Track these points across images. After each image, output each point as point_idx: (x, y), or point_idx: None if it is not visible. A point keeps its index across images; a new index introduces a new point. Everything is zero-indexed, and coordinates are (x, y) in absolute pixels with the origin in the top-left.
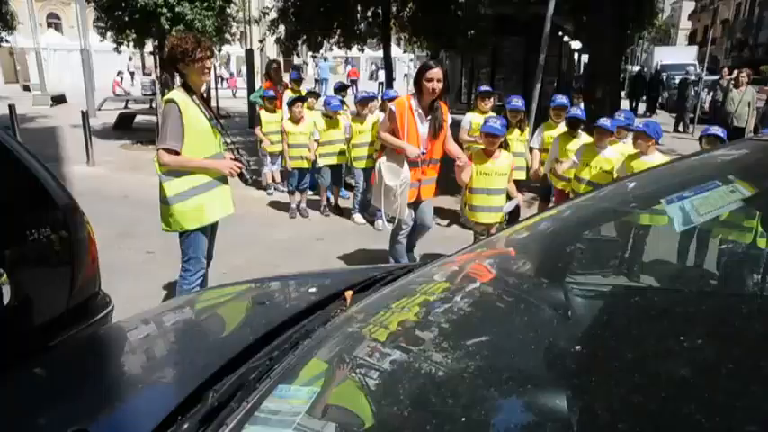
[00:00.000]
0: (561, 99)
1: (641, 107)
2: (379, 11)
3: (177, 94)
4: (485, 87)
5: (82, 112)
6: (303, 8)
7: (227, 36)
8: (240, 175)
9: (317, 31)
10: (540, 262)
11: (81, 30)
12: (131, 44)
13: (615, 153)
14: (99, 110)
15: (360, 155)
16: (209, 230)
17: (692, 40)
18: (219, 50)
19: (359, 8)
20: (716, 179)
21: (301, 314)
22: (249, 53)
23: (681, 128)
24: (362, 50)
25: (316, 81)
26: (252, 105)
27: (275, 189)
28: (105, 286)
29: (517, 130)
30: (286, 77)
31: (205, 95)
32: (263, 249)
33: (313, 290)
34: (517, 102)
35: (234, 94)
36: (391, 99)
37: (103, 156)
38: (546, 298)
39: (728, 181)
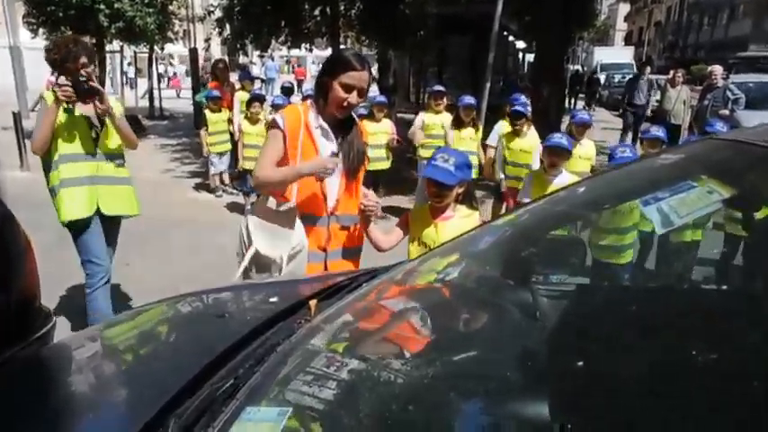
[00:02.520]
0: (582, 115)
1: (579, 103)
2: (328, 10)
3: (48, 94)
4: (438, 87)
5: (13, 113)
6: (249, 6)
7: (170, 35)
8: None
9: (265, 30)
10: (505, 263)
11: (9, 25)
12: None
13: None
14: (33, 111)
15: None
16: (96, 230)
17: (628, 40)
18: (162, 49)
19: (307, 6)
20: (687, 180)
21: (264, 326)
22: (193, 52)
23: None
24: (311, 50)
25: (262, 81)
26: (198, 105)
27: (224, 192)
28: (45, 298)
29: (471, 128)
30: (233, 77)
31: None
32: (216, 255)
33: (274, 299)
34: (470, 100)
35: (178, 95)
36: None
37: (39, 160)
38: (513, 300)
39: (701, 181)
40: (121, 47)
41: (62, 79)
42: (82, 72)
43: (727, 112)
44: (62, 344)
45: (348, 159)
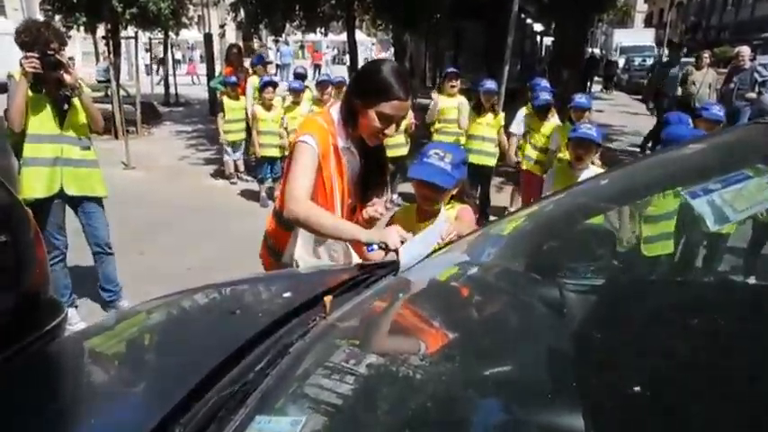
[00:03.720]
0: (580, 99)
1: (596, 87)
2: None
3: (16, 70)
4: (451, 68)
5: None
6: None
7: (185, 20)
8: None
9: (279, 14)
10: (532, 258)
11: (26, 13)
12: (82, 28)
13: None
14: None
15: None
16: (55, 210)
17: (648, 22)
18: (177, 34)
19: None
20: (741, 169)
21: (276, 324)
22: (208, 37)
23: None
24: (326, 34)
25: (277, 66)
26: (212, 92)
27: (239, 179)
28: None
29: (490, 114)
30: (247, 62)
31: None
32: (231, 242)
33: (288, 294)
34: (491, 84)
35: (193, 81)
36: (324, 83)
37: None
38: (542, 296)
39: (761, 171)
40: (136, 33)
41: (30, 55)
42: (50, 47)
43: (754, 95)
44: (63, 342)
45: (369, 183)
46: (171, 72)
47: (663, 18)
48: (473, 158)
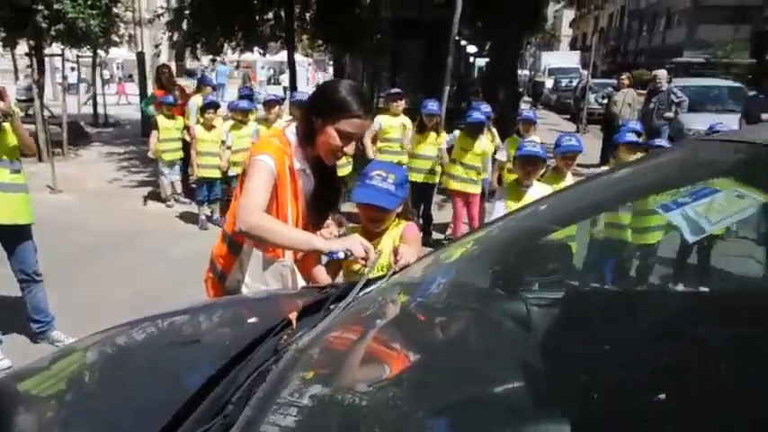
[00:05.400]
0: (528, 113)
1: (524, 106)
2: (282, 13)
3: None
4: (395, 89)
5: None
6: (201, 8)
7: (115, 38)
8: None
9: (218, 33)
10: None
11: None
12: (0, 44)
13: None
14: None
15: None
16: None
17: (572, 45)
18: (107, 53)
19: (261, 8)
20: (701, 183)
21: (245, 352)
22: (140, 57)
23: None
24: (264, 54)
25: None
26: (145, 114)
27: (176, 200)
28: None
29: (433, 134)
30: (181, 81)
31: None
32: (171, 267)
33: (253, 320)
34: (433, 106)
35: (120, 101)
36: (300, 104)
37: None
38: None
39: (726, 185)
40: (62, 50)
41: None
42: None
43: (671, 114)
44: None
45: (322, 205)
46: (99, 91)
47: (586, 41)
48: (416, 177)
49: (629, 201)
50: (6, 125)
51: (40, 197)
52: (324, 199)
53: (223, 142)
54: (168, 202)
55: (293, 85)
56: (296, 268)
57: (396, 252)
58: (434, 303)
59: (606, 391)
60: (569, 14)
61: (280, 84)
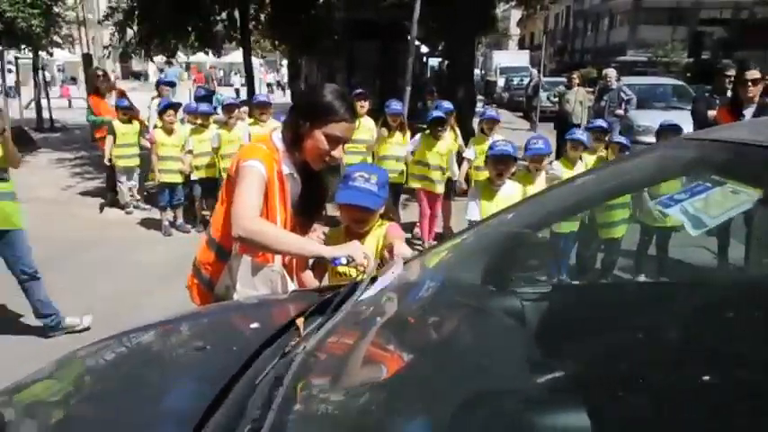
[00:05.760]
0: (491, 112)
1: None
2: (236, 14)
3: None
4: (359, 90)
5: None
6: (154, 8)
7: (57, 39)
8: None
9: (170, 35)
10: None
11: None
12: None
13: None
14: None
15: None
16: None
17: (521, 45)
18: (51, 54)
19: (216, 8)
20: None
21: (253, 357)
22: (87, 58)
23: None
24: (218, 55)
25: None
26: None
27: (135, 207)
28: None
29: (399, 134)
30: (123, 84)
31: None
32: (136, 275)
33: (255, 325)
34: (396, 105)
35: (69, 104)
36: (263, 105)
37: None
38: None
39: (718, 182)
40: (1, 51)
41: None
42: None
43: (621, 111)
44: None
45: (309, 209)
46: (43, 94)
47: (534, 41)
48: None
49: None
50: None
51: None
52: (311, 203)
53: (183, 147)
54: (128, 209)
55: (251, 87)
56: (285, 273)
57: (390, 250)
58: (438, 302)
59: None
60: (516, 14)
61: (231, 85)
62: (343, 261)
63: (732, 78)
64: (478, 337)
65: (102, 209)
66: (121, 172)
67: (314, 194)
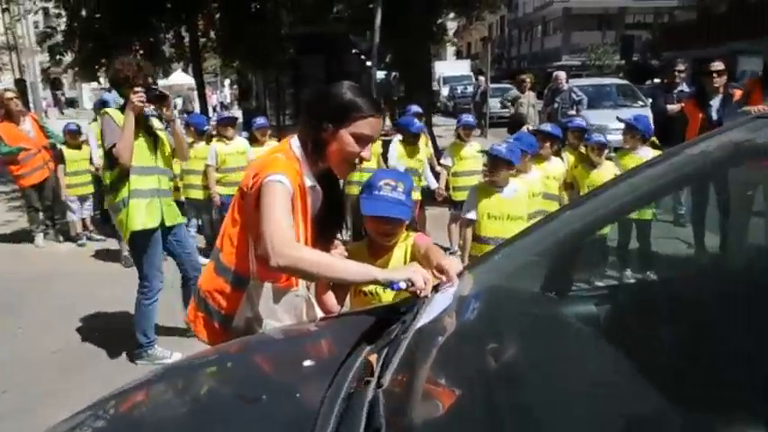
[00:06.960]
0: (468, 119)
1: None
2: (183, 31)
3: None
4: (261, 121)
5: None
6: (95, 28)
7: None
8: None
9: (116, 54)
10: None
11: None
12: None
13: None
14: None
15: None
16: (153, 243)
17: (459, 55)
18: None
19: (162, 26)
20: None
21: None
22: (20, 84)
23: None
24: (166, 76)
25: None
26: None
27: (89, 239)
28: None
29: (375, 144)
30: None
31: None
32: (100, 313)
33: (308, 363)
34: None
35: None
36: (228, 121)
37: None
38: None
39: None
40: None
41: (138, 90)
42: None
43: (574, 111)
44: None
45: (330, 223)
46: None
47: (471, 50)
48: (357, 190)
49: None
50: (161, 133)
51: None
52: (333, 216)
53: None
54: (80, 241)
55: (203, 106)
56: (312, 297)
57: (440, 269)
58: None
59: None
60: (452, 25)
61: (192, 111)
62: (402, 286)
63: (682, 73)
64: (580, 353)
65: (50, 241)
66: (73, 201)
67: (335, 207)
